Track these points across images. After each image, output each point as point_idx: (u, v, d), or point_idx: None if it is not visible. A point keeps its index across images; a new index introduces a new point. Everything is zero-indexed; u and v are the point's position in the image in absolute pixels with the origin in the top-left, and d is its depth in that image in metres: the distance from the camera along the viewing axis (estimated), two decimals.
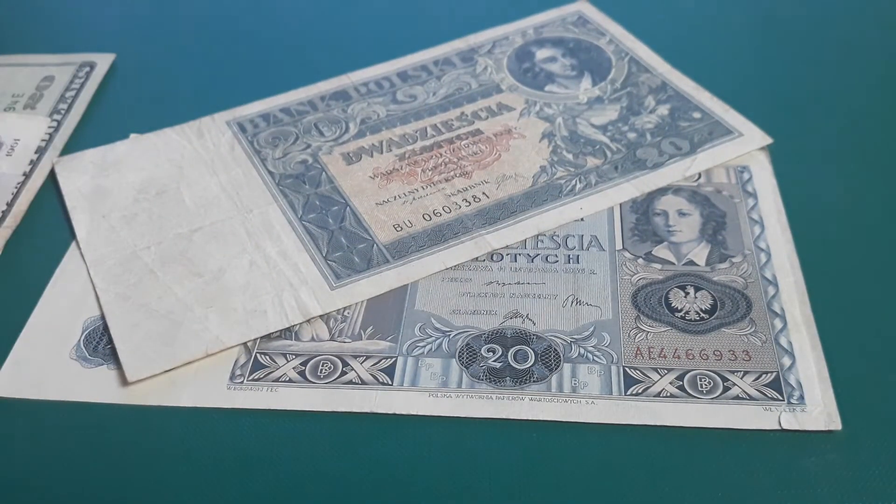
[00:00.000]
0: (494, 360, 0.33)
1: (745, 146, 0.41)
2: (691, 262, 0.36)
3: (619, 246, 0.37)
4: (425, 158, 0.41)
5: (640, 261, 0.37)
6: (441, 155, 0.41)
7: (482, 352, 0.33)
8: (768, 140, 0.41)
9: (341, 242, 0.37)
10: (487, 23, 0.50)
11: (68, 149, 0.44)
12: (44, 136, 0.44)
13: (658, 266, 0.36)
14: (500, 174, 0.40)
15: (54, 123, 0.45)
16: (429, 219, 0.38)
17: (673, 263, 0.36)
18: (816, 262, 0.36)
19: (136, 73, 0.49)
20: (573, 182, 0.40)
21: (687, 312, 0.34)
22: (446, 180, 0.40)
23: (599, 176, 0.40)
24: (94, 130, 0.45)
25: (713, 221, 0.38)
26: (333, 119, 0.44)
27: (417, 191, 0.39)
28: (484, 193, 0.39)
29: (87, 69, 0.48)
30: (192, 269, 0.36)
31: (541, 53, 0.48)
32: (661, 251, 0.37)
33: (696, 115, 0.43)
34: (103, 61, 0.49)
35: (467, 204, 0.39)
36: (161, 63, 0.50)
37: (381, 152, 0.42)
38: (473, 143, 0.42)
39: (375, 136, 0.43)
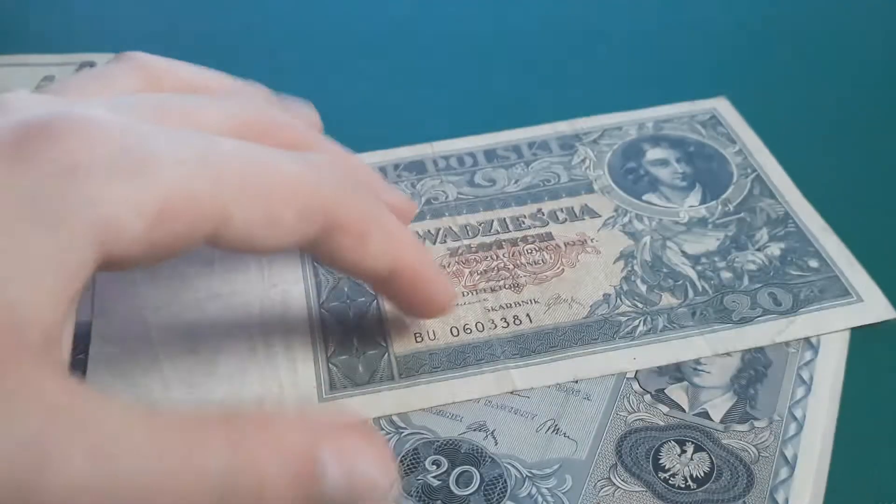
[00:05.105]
0: (434, 476, 0.29)
1: (861, 317, 0.34)
2: (704, 414, 0.30)
3: (630, 374, 0.31)
4: (478, 259, 0.37)
5: (648, 398, 0.31)
6: (497, 257, 0.37)
7: (426, 463, 0.29)
8: (892, 312, 0.34)
9: (352, 344, 0.33)
10: (606, 107, 0.45)
11: None
12: None
13: (664, 409, 0.31)
14: (555, 295, 0.35)
15: None
16: (456, 333, 0.33)
17: (683, 410, 0.30)
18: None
19: None
20: (636, 322, 0.34)
21: (674, 475, 0.28)
22: (492, 290, 0.35)
23: (670, 321, 0.34)
24: None
25: (752, 370, 0.31)
26: None
27: (456, 297, 0.35)
28: (528, 315, 0.34)
29: (87, 69, 0.48)
30: (190, 344, 0.33)
31: (652, 153, 0.42)
32: (676, 392, 0.31)
33: (814, 263, 0.36)
34: (103, 61, 0.49)
35: (505, 325, 0.34)
36: None
37: (434, 242, 0.38)
38: (538, 249, 0.37)
39: (434, 222, 0.38)
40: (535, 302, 0.35)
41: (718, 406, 0.31)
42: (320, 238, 0.26)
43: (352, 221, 0.26)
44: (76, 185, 0.21)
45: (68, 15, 0.55)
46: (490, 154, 0.42)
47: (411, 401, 0.31)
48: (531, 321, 0.34)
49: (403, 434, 0.30)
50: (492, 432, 0.30)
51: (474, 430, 0.30)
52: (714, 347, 0.33)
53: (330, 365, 0.32)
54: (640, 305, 0.34)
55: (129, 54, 0.29)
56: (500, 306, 0.34)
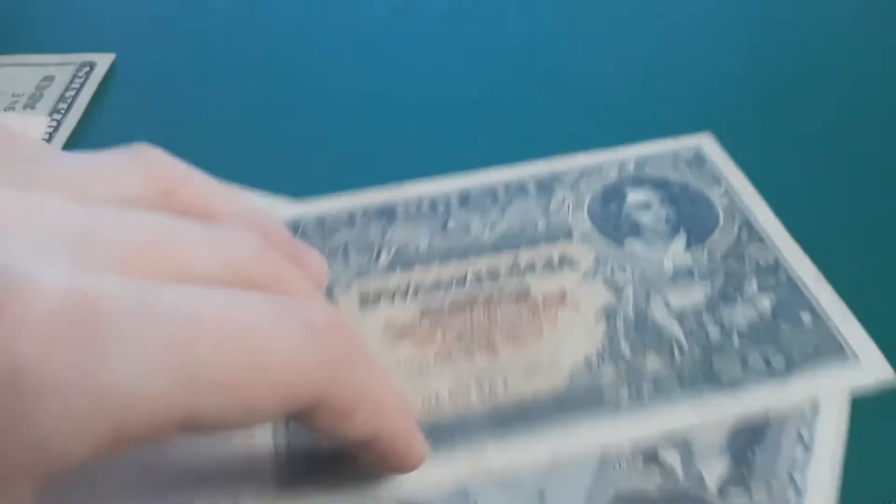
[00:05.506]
0: None
1: (857, 378, 0.32)
2: (698, 478, 0.28)
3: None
4: (452, 317, 0.34)
5: (639, 461, 0.29)
6: (472, 316, 0.34)
7: None
8: (890, 373, 0.32)
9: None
10: (586, 144, 0.43)
11: (68, 147, 0.43)
12: (44, 135, 0.44)
13: (657, 474, 0.28)
14: (533, 360, 0.33)
15: (54, 123, 0.45)
16: (428, 406, 0.31)
17: (677, 474, 0.28)
18: None
19: (135, 73, 0.49)
20: (619, 390, 0.31)
21: None
22: (466, 353, 0.33)
23: (656, 387, 0.32)
24: (93, 130, 0.45)
25: (749, 429, 0.30)
26: (366, 243, 0.38)
27: (427, 362, 0.33)
28: (505, 382, 0.32)
29: (87, 69, 0.49)
30: None
31: (634, 196, 0.40)
32: (669, 453, 0.29)
33: (806, 316, 0.34)
34: (103, 61, 0.49)
35: (479, 393, 0.31)
36: (161, 63, 0.49)
37: (405, 298, 0.35)
38: (515, 306, 0.35)
39: (405, 275, 0.36)
40: (512, 367, 0.32)
41: (713, 472, 0.29)
42: (302, 413, 0.24)
43: (338, 400, 0.24)
44: (17, 411, 0.18)
45: (68, 15, 0.54)
46: (464, 197, 0.40)
47: (380, 482, 0.29)
48: (508, 389, 0.32)
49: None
50: (474, 502, 0.28)
51: (455, 498, 0.28)
52: (703, 415, 0.31)
53: (290, 450, 0.30)
54: (623, 370, 0.32)
55: (145, 152, 0.26)
56: (475, 372, 0.32)
